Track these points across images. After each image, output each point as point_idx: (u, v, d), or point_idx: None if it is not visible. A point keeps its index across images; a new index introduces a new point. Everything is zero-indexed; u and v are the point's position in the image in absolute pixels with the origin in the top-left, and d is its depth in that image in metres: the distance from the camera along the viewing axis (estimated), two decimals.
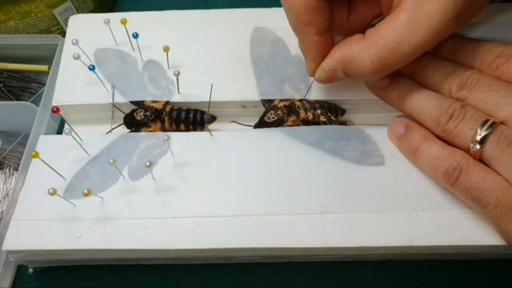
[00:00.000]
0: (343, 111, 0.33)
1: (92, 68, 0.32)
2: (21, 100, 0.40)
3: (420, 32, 0.25)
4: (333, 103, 0.33)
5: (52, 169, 0.29)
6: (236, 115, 0.34)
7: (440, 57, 0.31)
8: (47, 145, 0.32)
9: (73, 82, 0.34)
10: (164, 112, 0.32)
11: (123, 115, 0.33)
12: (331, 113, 0.32)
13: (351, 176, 0.29)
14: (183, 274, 0.32)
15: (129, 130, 0.33)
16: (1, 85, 0.40)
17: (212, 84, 0.32)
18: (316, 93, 0.32)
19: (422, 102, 0.29)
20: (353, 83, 0.31)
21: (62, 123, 0.37)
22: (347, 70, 0.28)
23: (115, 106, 0.33)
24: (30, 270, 0.32)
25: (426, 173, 0.29)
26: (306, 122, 0.32)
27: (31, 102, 0.39)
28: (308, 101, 0.32)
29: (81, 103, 0.33)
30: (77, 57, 0.32)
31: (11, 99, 0.39)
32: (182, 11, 0.37)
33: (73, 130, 0.30)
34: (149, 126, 0.32)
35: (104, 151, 0.31)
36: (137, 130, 0.33)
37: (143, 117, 0.32)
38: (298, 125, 0.32)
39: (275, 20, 0.35)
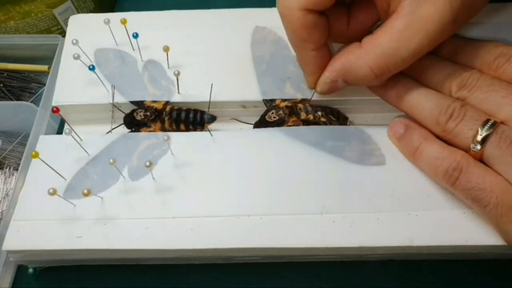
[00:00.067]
0: (345, 118, 0.33)
1: (92, 68, 0.32)
2: (21, 100, 0.40)
3: (417, 37, 0.26)
4: (336, 109, 0.33)
5: (52, 169, 0.29)
6: (236, 115, 0.34)
7: (440, 57, 0.31)
8: (47, 145, 0.32)
9: (73, 82, 0.34)
10: (164, 112, 0.32)
11: (123, 115, 0.33)
12: (333, 116, 0.32)
13: (351, 176, 0.29)
14: (183, 274, 0.32)
15: (129, 130, 0.33)
16: (1, 85, 0.40)
17: (212, 84, 0.32)
18: (317, 94, 0.32)
19: (422, 101, 0.29)
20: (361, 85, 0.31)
21: (62, 123, 0.37)
22: (348, 79, 0.29)
23: (115, 106, 0.33)
24: (30, 270, 0.32)
25: (426, 173, 0.29)
26: (306, 122, 0.32)
27: (31, 102, 0.39)
28: (311, 105, 0.32)
29: (81, 103, 0.33)
30: (77, 57, 0.32)
31: (11, 99, 0.39)
32: (182, 11, 0.37)
33: (73, 130, 0.30)
34: (149, 126, 0.32)
35: (104, 151, 0.31)
36: (137, 130, 0.33)
37: (143, 117, 0.32)
38: (298, 125, 0.32)
39: (275, 20, 0.34)
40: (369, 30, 0.30)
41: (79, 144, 0.31)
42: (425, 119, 0.28)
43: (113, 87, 0.33)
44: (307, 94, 0.32)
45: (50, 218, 0.28)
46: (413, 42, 0.26)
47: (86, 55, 0.34)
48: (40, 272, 0.32)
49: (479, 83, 0.28)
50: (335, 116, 0.32)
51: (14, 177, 0.35)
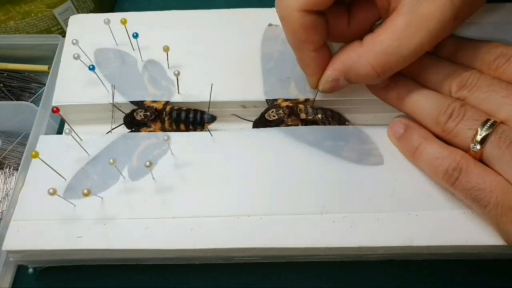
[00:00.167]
0: (345, 121, 0.33)
1: (92, 68, 0.32)
2: (21, 100, 0.40)
3: (418, 34, 0.25)
4: (337, 112, 0.33)
5: (52, 169, 0.29)
6: (236, 114, 0.34)
7: (440, 58, 0.31)
8: (47, 145, 0.32)
9: (73, 82, 0.34)
10: (164, 112, 0.32)
11: (123, 115, 0.33)
12: (333, 119, 0.32)
13: (351, 176, 0.29)
14: (183, 274, 0.32)
15: (129, 130, 0.33)
16: (1, 85, 0.40)
17: (212, 84, 0.32)
18: (318, 93, 0.32)
19: (422, 102, 0.29)
20: (353, 84, 0.31)
21: (62, 123, 0.37)
22: (349, 77, 0.29)
23: (115, 106, 0.33)
24: (30, 270, 0.32)
25: (425, 173, 0.29)
26: (305, 122, 0.32)
27: (31, 102, 0.39)
28: (312, 106, 0.32)
29: (81, 103, 0.33)
30: (77, 57, 0.32)
31: (11, 99, 0.39)
32: (182, 11, 0.37)
33: (73, 130, 0.30)
34: (149, 126, 0.32)
35: (104, 151, 0.31)
36: (137, 130, 0.33)
37: (143, 117, 0.32)
38: (297, 125, 0.32)
39: (275, 20, 0.35)
40: (370, 29, 0.30)
41: (79, 144, 0.31)
42: (425, 119, 0.29)
43: (113, 87, 0.33)
44: (311, 95, 0.32)
45: (50, 218, 0.28)
46: (415, 39, 0.26)
47: (86, 55, 0.34)
48: (40, 272, 0.32)
49: (479, 83, 0.28)
50: (335, 119, 0.32)
51: (14, 177, 0.35)
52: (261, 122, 0.32)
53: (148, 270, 0.32)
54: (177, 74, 0.31)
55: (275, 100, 0.32)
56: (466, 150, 0.26)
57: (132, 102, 0.33)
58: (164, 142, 0.30)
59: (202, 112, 0.33)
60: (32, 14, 0.40)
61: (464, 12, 0.26)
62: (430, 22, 0.25)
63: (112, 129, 0.33)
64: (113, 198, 0.29)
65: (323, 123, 0.32)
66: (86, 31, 0.36)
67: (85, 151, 0.31)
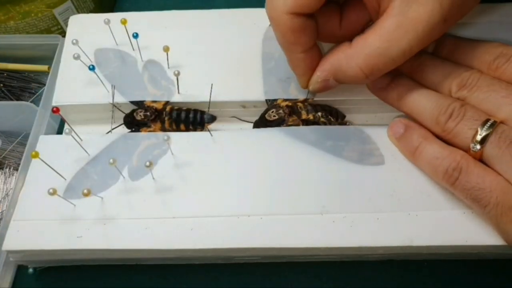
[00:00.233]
0: (343, 116, 0.33)
1: (92, 68, 0.32)
2: (21, 100, 0.40)
3: (407, 37, 0.26)
4: (335, 108, 0.33)
5: (52, 169, 0.29)
6: (236, 115, 0.34)
7: (440, 57, 0.31)
8: (47, 145, 0.32)
9: (73, 82, 0.34)
10: (164, 112, 0.32)
11: (123, 115, 0.33)
12: (332, 116, 0.32)
13: (351, 176, 0.29)
14: (183, 274, 0.32)
15: (129, 130, 0.33)
16: (1, 85, 0.40)
17: (212, 84, 0.32)
18: (318, 94, 0.32)
19: (422, 102, 0.29)
20: (344, 84, 0.31)
21: (62, 123, 0.37)
22: (338, 78, 0.29)
23: (115, 106, 0.33)
24: (30, 270, 0.32)
25: (425, 173, 0.29)
26: (306, 122, 0.32)
27: (31, 102, 0.39)
28: (311, 104, 0.32)
29: (81, 103, 0.33)
30: (77, 57, 0.32)
31: (11, 99, 0.39)
32: (182, 11, 0.37)
33: (73, 130, 0.30)
34: (149, 126, 0.32)
35: (104, 151, 0.31)
36: (137, 130, 0.33)
37: (143, 117, 0.32)
38: (298, 125, 0.32)
39: None
40: (362, 30, 0.30)
41: (79, 144, 0.31)
42: (425, 119, 0.29)
43: (113, 87, 0.33)
44: (311, 96, 0.32)
45: (50, 218, 0.28)
46: (403, 42, 0.26)
47: (86, 55, 0.34)
48: (40, 272, 0.32)
49: (479, 83, 0.28)
50: (334, 116, 0.32)
51: (14, 177, 0.35)
52: (261, 123, 0.32)
53: (148, 270, 0.32)
54: (177, 74, 0.31)
55: (275, 100, 0.32)
56: (466, 150, 0.26)
57: (132, 102, 0.33)
58: (164, 142, 0.30)
59: (202, 112, 0.33)
60: (32, 14, 0.40)
61: (453, 14, 0.26)
62: (419, 25, 0.25)
63: (112, 129, 0.33)
64: (113, 198, 0.29)
65: (324, 121, 0.32)
66: (86, 31, 0.36)
67: (85, 151, 0.31)
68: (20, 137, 0.37)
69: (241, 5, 0.37)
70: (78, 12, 0.42)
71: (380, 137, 0.31)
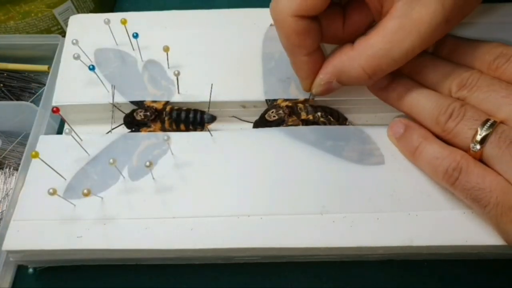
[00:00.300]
0: (344, 119, 0.33)
1: (92, 68, 0.32)
2: (21, 100, 0.40)
3: (409, 38, 0.26)
4: (336, 110, 0.33)
5: (52, 169, 0.29)
6: (236, 115, 0.34)
7: (440, 57, 0.31)
8: (47, 145, 0.32)
9: (73, 82, 0.34)
10: (164, 112, 0.32)
11: (123, 115, 0.33)
12: (332, 117, 0.32)
13: (351, 176, 0.29)
14: (183, 274, 0.32)
15: (129, 130, 0.33)
16: (1, 85, 0.40)
17: (212, 84, 0.32)
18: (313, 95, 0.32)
19: (422, 102, 0.29)
20: (347, 86, 0.31)
21: (62, 123, 0.37)
22: (341, 80, 0.29)
23: (115, 106, 0.33)
24: (30, 270, 0.32)
25: (425, 173, 0.29)
26: (306, 122, 0.32)
27: (31, 102, 0.39)
28: (311, 104, 0.32)
29: (81, 103, 0.33)
30: (77, 57, 0.32)
31: (11, 99, 0.39)
32: (182, 11, 0.37)
33: (73, 130, 0.30)
34: (149, 126, 0.32)
35: (104, 151, 0.31)
36: (137, 130, 0.33)
37: (143, 117, 0.32)
38: (298, 125, 0.32)
39: None
40: (365, 31, 0.30)
41: (79, 144, 0.31)
42: (425, 119, 0.29)
43: (113, 87, 0.33)
44: (311, 96, 0.32)
45: (50, 218, 0.28)
46: (406, 43, 0.26)
47: (86, 55, 0.34)
48: (40, 272, 0.32)
49: (479, 83, 0.28)
50: (335, 117, 0.32)
51: (14, 177, 0.35)
52: (261, 123, 0.32)
53: (148, 270, 0.32)
54: (177, 74, 0.31)
55: (275, 100, 0.32)
56: (466, 150, 0.26)
57: (132, 102, 0.33)
58: (164, 142, 0.30)
59: (202, 112, 0.33)
60: (32, 14, 0.40)
61: (456, 15, 0.26)
62: (421, 26, 0.25)
63: (112, 129, 0.33)
64: (113, 198, 0.29)
65: (323, 122, 0.32)
66: (86, 31, 0.36)
67: (85, 151, 0.31)
68: (20, 137, 0.37)
69: (241, 5, 0.37)
70: (78, 12, 0.42)
71: (380, 137, 0.31)
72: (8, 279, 0.31)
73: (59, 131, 0.37)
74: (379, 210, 0.28)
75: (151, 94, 0.33)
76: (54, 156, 0.30)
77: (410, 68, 0.30)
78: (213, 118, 0.33)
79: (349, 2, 0.30)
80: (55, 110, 0.29)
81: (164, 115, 0.32)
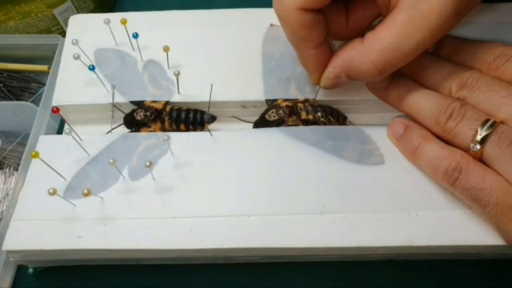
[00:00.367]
0: (344, 118, 0.33)
1: (92, 68, 0.32)
2: (21, 100, 0.40)
3: (420, 31, 0.25)
4: (336, 109, 0.33)
5: (52, 169, 0.29)
6: (236, 115, 0.34)
7: (440, 57, 0.31)
8: (47, 145, 0.32)
9: (73, 82, 0.34)
10: (164, 112, 0.32)
11: (123, 115, 0.33)
12: (332, 117, 0.32)
13: (351, 176, 0.29)
14: (183, 274, 0.32)
15: (129, 130, 0.33)
16: (1, 85, 0.40)
17: (212, 84, 0.32)
18: (318, 94, 0.32)
19: (422, 102, 0.29)
20: (353, 84, 0.31)
21: (62, 123, 0.37)
22: (350, 75, 0.29)
23: (115, 106, 0.33)
24: (30, 270, 0.32)
25: (425, 173, 0.29)
26: (306, 122, 0.32)
27: (31, 102, 0.39)
28: (311, 104, 0.32)
29: (81, 103, 0.33)
30: (77, 57, 0.32)
31: (11, 99, 0.39)
32: (182, 11, 0.37)
33: (73, 130, 0.30)
34: (149, 126, 0.32)
35: (104, 151, 0.31)
36: (137, 130, 0.33)
37: (143, 117, 0.32)
38: (298, 125, 0.32)
39: (276, 20, 0.35)
40: (368, 27, 0.30)
41: (79, 144, 0.31)
42: (425, 119, 0.29)
43: (113, 87, 0.33)
44: (311, 96, 0.32)
45: (50, 218, 0.28)
46: (416, 36, 0.25)
47: (86, 55, 0.34)
48: (40, 272, 0.32)
49: (479, 83, 0.28)
50: (335, 117, 0.32)
51: (14, 177, 0.35)
52: (261, 123, 0.32)
53: (148, 270, 0.32)
54: (177, 74, 0.31)
55: (275, 100, 0.32)
56: (466, 150, 0.26)
57: (132, 102, 0.33)
58: (164, 142, 0.30)
59: (202, 112, 0.33)
60: (32, 14, 0.40)
61: (465, 6, 0.26)
62: (431, 18, 0.25)
63: (112, 129, 0.33)
64: (113, 198, 0.29)
65: (323, 121, 0.32)
66: (86, 31, 0.36)
67: (85, 151, 0.31)
68: (20, 137, 0.37)
69: (241, 5, 0.37)
70: (78, 12, 0.42)
71: (380, 137, 0.31)
72: (8, 279, 0.31)
73: (59, 131, 0.37)
74: (379, 210, 0.28)
75: (151, 94, 0.33)
76: (54, 156, 0.30)
77: (410, 68, 0.30)
78: (213, 118, 0.33)
79: None
80: (55, 110, 0.29)
81: (164, 115, 0.32)
